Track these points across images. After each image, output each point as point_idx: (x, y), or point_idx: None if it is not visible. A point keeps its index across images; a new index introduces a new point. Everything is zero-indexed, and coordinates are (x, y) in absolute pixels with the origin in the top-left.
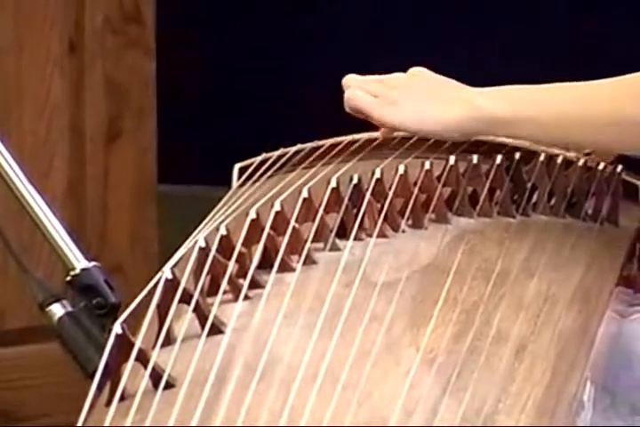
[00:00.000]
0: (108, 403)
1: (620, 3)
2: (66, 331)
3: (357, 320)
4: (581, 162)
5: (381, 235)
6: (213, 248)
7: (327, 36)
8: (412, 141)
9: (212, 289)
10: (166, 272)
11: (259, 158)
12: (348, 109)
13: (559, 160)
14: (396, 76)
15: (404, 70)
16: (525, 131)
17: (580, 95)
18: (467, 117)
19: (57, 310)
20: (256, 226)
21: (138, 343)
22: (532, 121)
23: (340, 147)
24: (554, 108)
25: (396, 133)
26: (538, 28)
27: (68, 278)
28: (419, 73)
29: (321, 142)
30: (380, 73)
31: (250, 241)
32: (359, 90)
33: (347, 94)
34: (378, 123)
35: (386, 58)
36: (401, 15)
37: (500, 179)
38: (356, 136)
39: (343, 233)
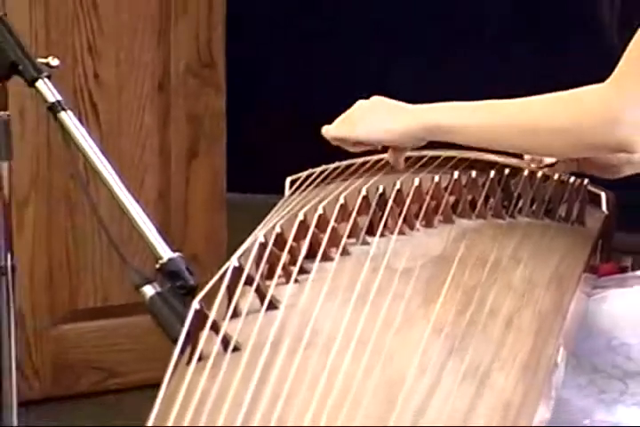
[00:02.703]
0: (188, 362)
1: None
2: (155, 307)
3: (382, 298)
4: (556, 177)
5: (401, 232)
6: (270, 242)
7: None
8: (424, 160)
9: (270, 274)
10: (234, 261)
11: (305, 173)
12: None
13: (539, 175)
14: (359, 102)
15: (404, 70)
16: (461, 136)
17: (504, 110)
18: (415, 126)
19: (149, 290)
20: (304, 225)
21: (212, 316)
22: (465, 129)
23: (368, 164)
24: (481, 118)
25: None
26: (539, 27)
27: (158, 266)
28: (377, 99)
29: (354, 160)
30: (380, 73)
31: (299, 237)
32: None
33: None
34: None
35: (386, 58)
36: (401, 15)
37: (493, 189)
38: (382, 156)
39: (371, 231)
